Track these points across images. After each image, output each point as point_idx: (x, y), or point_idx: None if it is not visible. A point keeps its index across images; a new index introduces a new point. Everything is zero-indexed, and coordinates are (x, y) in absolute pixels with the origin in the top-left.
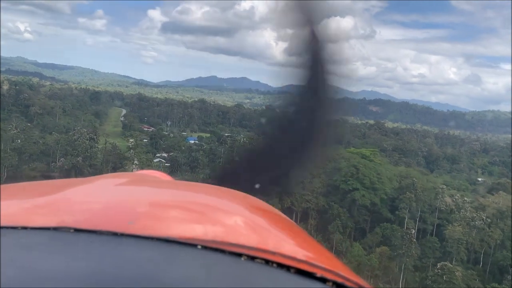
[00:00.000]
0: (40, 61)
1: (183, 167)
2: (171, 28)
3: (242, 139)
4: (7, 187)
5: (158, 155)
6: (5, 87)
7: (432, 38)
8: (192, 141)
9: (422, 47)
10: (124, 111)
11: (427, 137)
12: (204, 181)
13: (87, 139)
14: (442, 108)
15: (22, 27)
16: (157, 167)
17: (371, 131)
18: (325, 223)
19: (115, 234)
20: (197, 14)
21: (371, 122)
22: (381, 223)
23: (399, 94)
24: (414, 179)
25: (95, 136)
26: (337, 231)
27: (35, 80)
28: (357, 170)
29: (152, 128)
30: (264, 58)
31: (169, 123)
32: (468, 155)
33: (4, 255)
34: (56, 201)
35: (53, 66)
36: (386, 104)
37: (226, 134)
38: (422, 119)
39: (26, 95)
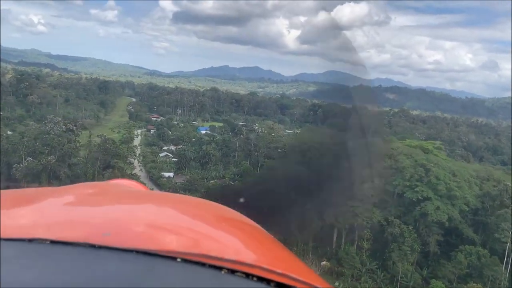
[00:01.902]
0: (54, 53)
1: (192, 163)
2: (183, 18)
3: (259, 128)
4: None
5: (165, 148)
6: (9, 76)
7: (448, 23)
8: (204, 131)
9: (437, 33)
10: (133, 100)
11: (458, 125)
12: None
13: (63, 131)
14: (458, 95)
15: (35, 19)
16: (163, 163)
17: (396, 119)
18: (381, 246)
19: (92, 246)
20: (208, 3)
21: (395, 109)
22: (461, 246)
23: (413, 81)
24: (506, 183)
25: (74, 127)
26: (401, 258)
27: (46, 70)
28: (426, 172)
29: (161, 118)
30: (277, 47)
31: (179, 111)
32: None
33: None
34: (31, 212)
35: (66, 58)
36: (402, 92)
37: (241, 123)
38: (440, 106)
39: (27, 83)
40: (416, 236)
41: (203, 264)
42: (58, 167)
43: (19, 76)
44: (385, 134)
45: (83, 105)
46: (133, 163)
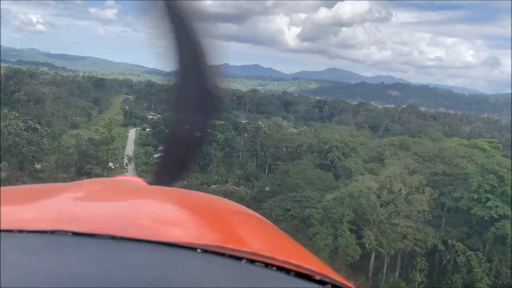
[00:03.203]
0: (53, 52)
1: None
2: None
3: (266, 126)
4: (9, 189)
5: (160, 148)
6: None
7: (449, 20)
8: None
9: (439, 30)
10: (131, 98)
11: (471, 121)
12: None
13: (21, 130)
14: (460, 92)
15: (34, 18)
16: (157, 165)
17: (405, 115)
18: (438, 277)
19: (113, 237)
20: (207, 1)
21: (403, 106)
22: None
23: (414, 78)
24: None
25: (38, 125)
26: None
27: (43, 69)
28: (500, 180)
29: (159, 116)
30: (277, 44)
31: None
32: None
33: (3, 258)
34: (51, 205)
35: (65, 57)
36: (405, 88)
37: (243, 121)
38: (443, 102)
39: (16, 80)
40: (488, 266)
41: (222, 255)
42: (14, 175)
43: (8, 73)
44: (398, 131)
45: (75, 102)
46: (117, 167)
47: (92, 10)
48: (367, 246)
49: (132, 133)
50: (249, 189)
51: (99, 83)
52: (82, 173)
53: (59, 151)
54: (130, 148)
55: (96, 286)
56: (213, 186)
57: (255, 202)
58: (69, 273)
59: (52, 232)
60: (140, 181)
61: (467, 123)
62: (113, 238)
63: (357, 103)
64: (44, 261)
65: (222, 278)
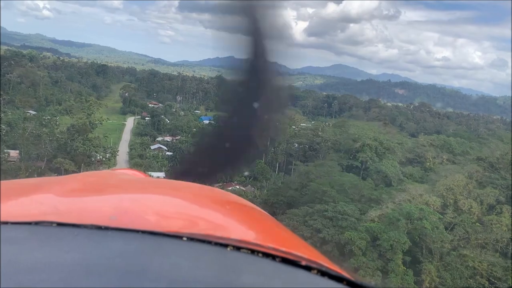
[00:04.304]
0: (59, 38)
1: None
2: (189, 6)
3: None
4: None
5: (159, 138)
6: None
7: (457, 20)
8: (207, 121)
9: (446, 30)
10: (132, 85)
11: (489, 122)
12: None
13: None
14: (467, 93)
15: (41, 4)
16: (154, 158)
17: (418, 114)
18: None
19: (98, 227)
20: None
21: (415, 103)
22: None
23: (420, 78)
24: None
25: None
26: None
27: (46, 54)
28: None
29: (160, 105)
30: (282, 38)
31: (179, 98)
32: None
33: None
34: (36, 197)
35: (71, 44)
36: (412, 87)
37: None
38: (450, 103)
39: (12, 62)
40: None
41: (208, 243)
42: None
43: (6, 55)
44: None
45: (71, 87)
46: (93, 162)
47: None
48: (427, 285)
49: (130, 121)
50: (257, 189)
51: (101, 70)
52: (51, 169)
53: (23, 141)
54: (126, 138)
55: (80, 274)
56: (216, 185)
57: (265, 207)
58: (52, 261)
59: (37, 223)
60: (137, 174)
61: (483, 123)
62: (99, 228)
63: (367, 99)
64: (27, 250)
65: (207, 265)
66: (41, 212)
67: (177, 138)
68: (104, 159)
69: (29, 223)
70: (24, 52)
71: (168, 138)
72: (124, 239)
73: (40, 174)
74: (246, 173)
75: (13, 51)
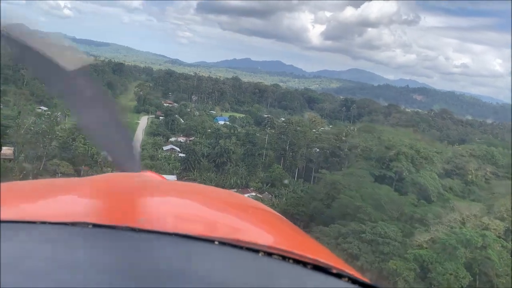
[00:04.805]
0: (78, 37)
1: (204, 162)
2: (207, 7)
3: (295, 122)
4: (19, 184)
5: (172, 139)
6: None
7: (478, 26)
8: (222, 122)
9: (467, 36)
10: (147, 84)
11: None
12: None
13: None
14: (486, 100)
15: (62, 3)
16: (166, 160)
17: (440, 120)
18: None
19: (132, 229)
20: None
21: (435, 110)
22: None
23: (438, 84)
24: None
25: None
26: None
27: None
28: None
29: (175, 104)
30: (300, 41)
31: (194, 98)
32: None
33: (26, 247)
34: (68, 198)
35: (89, 42)
36: (430, 93)
37: (265, 116)
38: (469, 110)
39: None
40: None
41: (240, 248)
42: None
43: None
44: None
45: None
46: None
47: None
48: None
49: (143, 120)
50: (275, 197)
51: (118, 68)
52: (48, 171)
53: (17, 136)
54: (138, 137)
55: (117, 275)
56: (231, 190)
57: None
58: (90, 262)
59: (73, 224)
60: (155, 176)
61: (507, 132)
62: (132, 229)
63: (387, 104)
64: (66, 251)
65: (240, 269)
66: (76, 213)
67: (191, 139)
68: (108, 160)
69: (66, 224)
70: None
71: (181, 139)
72: (158, 242)
73: (34, 177)
74: (286, 181)
75: None
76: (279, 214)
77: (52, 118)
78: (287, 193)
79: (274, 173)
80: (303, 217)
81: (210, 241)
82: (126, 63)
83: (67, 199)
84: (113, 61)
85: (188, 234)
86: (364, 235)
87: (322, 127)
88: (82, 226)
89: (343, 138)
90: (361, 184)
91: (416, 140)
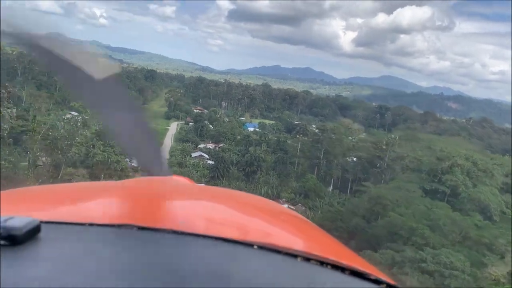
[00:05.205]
0: (113, 45)
1: (233, 170)
2: (237, 15)
3: (330, 129)
4: (59, 187)
5: (201, 145)
6: None
7: None
8: (252, 129)
9: (504, 42)
10: (179, 90)
11: None
12: None
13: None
14: None
15: (98, 12)
16: (194, 167)
17: (480, 129)
18: None
19: (175, 232)
20: (265, 1)
21: (474, 118)
22: None
23: (473, 92)
24: None
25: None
26: None
27: None
28: None
29: (205, 110)
30: (330, 48)
31: (224, 104)
32: None
33: (83, 248)
34: (110, 201)
35: (124, 51)
36: (466, 101)
37: (296, 122)
38: (508, 119)
39: None
40: None
41: (278, 252)
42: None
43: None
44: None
45: None
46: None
47: (152, 6)
48: None
49: (173, 126)
50: (309, 209)
51: (150, 75)
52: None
53: (32, 141)
54: (167, 143)
55: (165, 277)
56: None
57: None
58: (143, 263)
59: (119, 226)
60: (185, 180)
61: None
62: (175, 232)
63: (422, 112)
64: (119, 252)
65: (281, 274)
66: (120, 215)
67: (220, 145)
68: (130, 168)
69: (112, 226)
70: None
71: (210, 145)
72: (202, 244)
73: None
74: (330, 188)
75: None
76: (309, 221)
77: (72, 123)
78: (322, 205)
79: (308, 183)
80: (342, 233)
81: (249, 245)
82: (158, 71)
83: (107, 202)
84: (145, 68)
85: (230, 238)
86: (425, 265)
87: (359, 134)
88: (128, 228)
89: (383, 147)
90: (411, 200)
91: (472, 151)
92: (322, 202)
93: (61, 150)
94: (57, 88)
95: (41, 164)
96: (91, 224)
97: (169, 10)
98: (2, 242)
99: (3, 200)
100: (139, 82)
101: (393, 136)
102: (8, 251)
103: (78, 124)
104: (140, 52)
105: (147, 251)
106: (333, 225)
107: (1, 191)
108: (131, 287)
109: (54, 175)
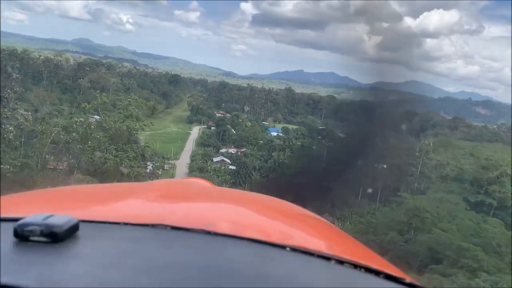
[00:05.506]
0: (139, 51)
1: (255, 176)
2: (261, 21)
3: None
4: (91, 187)
5: (223, 150)
6: (72, 61)
7: None
8: (275, 133)
9: None
10: (201, 94)
11: None
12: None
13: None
14: None
15: (124, 18)
16: (215, 172)
17: None
18: None
19: (207, 232)
20: (288, 5)
21: (507, 125)
22: None
23: (504, 97)
24: None
25: None
26: None
27: (126, 64)
28: None
29: (227, 115)
30: (355, 52)
31: (247, 108)
32: None
33: (122, 247)
34: (144, 202)
35: (149, 56)
36: (495, 107)
37: (320, 127)
38: None
39: (87, 68)
40: None
41: (311, 255)
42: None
43: (85, 62)
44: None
45: (141, 94)
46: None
47: (177, 12)
48: None
49: (195, 131)
50: (336, 219)
51: (173, 79)
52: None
53: (40, 145)
54: (189, 148)
55: (204, 276)
56: None
57: None
58: (177, 262)
59: (153, 225)
60: (206, 183)
61: None
62: (207, 233)
63: (451, 117)
64: (153, 251)
65: (317, 276)
66: (152, 215)
67: (242, 150)
68: (147, 172)
69: (147, 225)
70: (104, 61)
71: (232, 150)
72: (236, 245)
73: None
74: (370, 190)
75: (92, 60)
76: (331, 223)
77: (85, 126)
78: (351, 215)
79: (336, 191)
80: (374, 248)
81: (281, 247)
82: (182, 75)
83: (139, 202)
84: (169, 72)
85: (262, 240)
86: None
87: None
88: (161, 228)
89: (417, 153)
90: (454, 213)
91: None
92: (351, 212)
93: (72, 155)
94: (81, 92)
95: (51, 168)
96: (126, 224)
97: (194, 15)
98: (44, 239)
99: (39, 199)
100: (163, 86)
101: (426, 142)
102: (50, 248)
103: (92, 127)
104: (165, 57)
105: (183, 251)
106: (364, 238)
107: (37, 190)
108: (171, 287)
109: (65, 180)
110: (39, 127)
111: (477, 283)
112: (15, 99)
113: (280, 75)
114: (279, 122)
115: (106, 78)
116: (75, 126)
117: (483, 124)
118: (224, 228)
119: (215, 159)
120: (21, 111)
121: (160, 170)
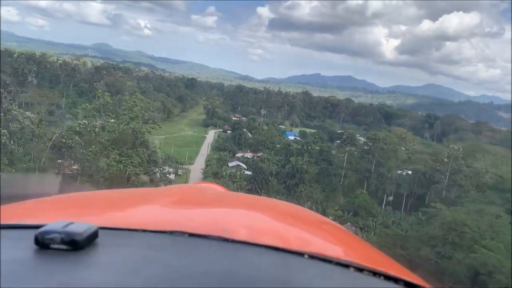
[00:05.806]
0: (156, 55)
1: (272, 182)
2: (278, 25)
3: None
4: (103, 193)
5: (239, 154)
6: (89, 65)
7: None
8: (292, 137)
9: None
10: (217, 98)
11: None
12: None
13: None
14: None
15: (142, 23)
16: (231, 178)
17: None
18: None
19: (225, 239)
20: (306, 9)
21: None
22: None
23: None
24: None
25: None
26: None
27: (143, 68)
28: None
29: (243, 118)
30: (372, 56)
31: (263, 112)
32: None
33: (137, 254)
34: (155, 208)
35: (166, 60)
36: None
37: (339, 131)
38: None
39: (104, 72)
40: None
41: (329, 262)
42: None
43: (102, 66)
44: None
45: (154, 97)
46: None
47: (194, 17)
48: None
49: (211, 134)
50: (359, 229)
51: (190, 83)
52: None
53: (37, 149)
54: (204, 152)
55: (219, 285)
56: None
57: None
58: (196, 270)
59: (171, 232)
60: (220, 188)
61: None
62: (225, 240)
63: (474, 122)
64: (172, 258)
65: (337, 283)
66: (169, 221)
67: (258, 155)
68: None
69: (165, 232)
70: (121, 65)
71: (248, 155)
72: (254, 253)
73: None
74: (390, 198)
75: (109, 64)
76: (347, 230)
77: (89, 129)
78: (375, 225)
79: (358, 199)
80: (403, 264)
81: (300, 254)
82: (198, 79)
83: (156, 208)
84: (186, 76)
85: (281, 247)
86: None
87: (412, 145)
88: (179, 234)
89: (445, 159)
90: (498, 228)
91: None
92: (375, 222)
93: (75, 160)
94: (96, 96)
95: (51, 174)
96: (144, 230)
97: (211, 20)
98: (64, 247)
99: (56, 205)
100: (179, 90)
101: (455, 147)
102: (70, 256)
103: (97, 130)
104: (182, 62)
105: (201, 258)
106: (391, 252)
107: (54, 196)
108: None
109: (65, 188)
110: (37, 130)
111: None
112: (10, 100)
113: (297, 78)
114: (296, 126)
115: (122, 82)
116: (77, 129)
117: (506, 128)
118: (241, 235)
119: (230, 164)
120: (27, 113)
121: (173, 175)
